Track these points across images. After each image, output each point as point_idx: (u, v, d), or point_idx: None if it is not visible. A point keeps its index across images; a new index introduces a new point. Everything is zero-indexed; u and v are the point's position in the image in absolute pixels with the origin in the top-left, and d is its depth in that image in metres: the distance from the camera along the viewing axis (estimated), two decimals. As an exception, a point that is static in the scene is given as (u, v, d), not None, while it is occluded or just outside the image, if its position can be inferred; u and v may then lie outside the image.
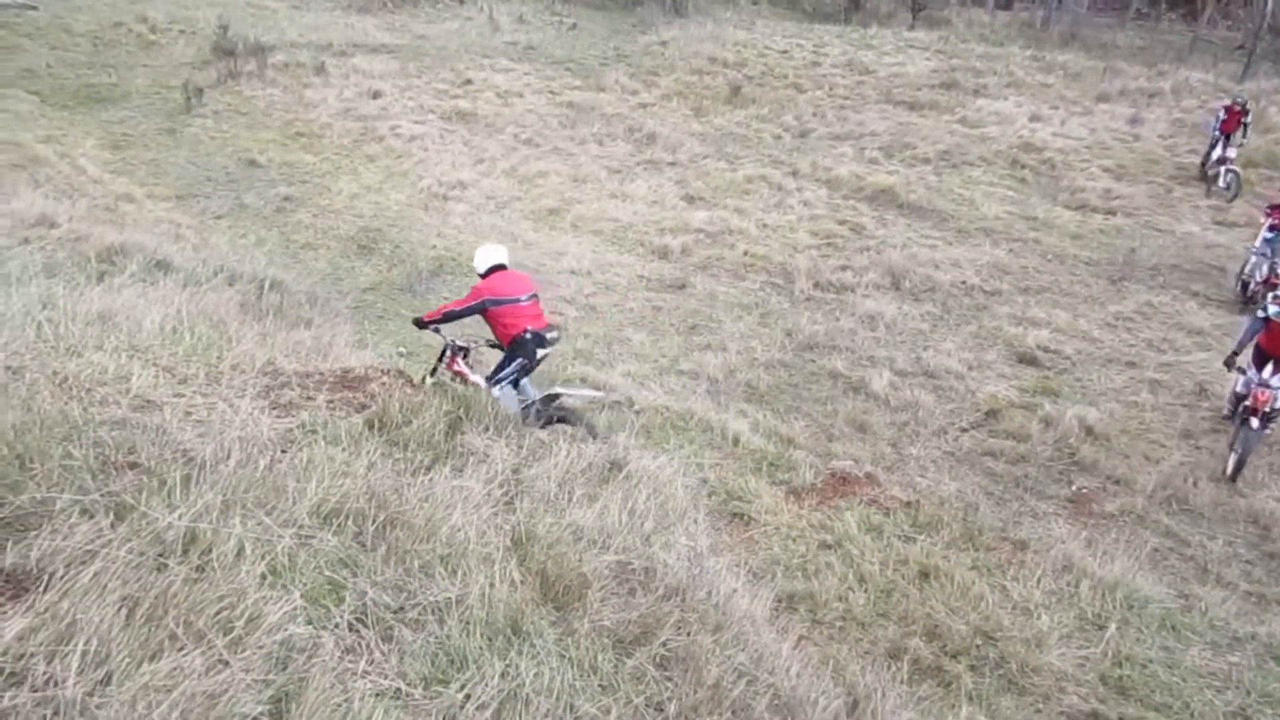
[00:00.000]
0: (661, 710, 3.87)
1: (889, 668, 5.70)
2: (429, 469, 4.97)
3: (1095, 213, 17.10)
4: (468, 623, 3.88)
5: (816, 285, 13.70)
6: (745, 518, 7.71)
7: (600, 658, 3.98)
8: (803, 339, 12.12)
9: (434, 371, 7.98)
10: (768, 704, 4.07)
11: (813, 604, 6.57)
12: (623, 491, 5.25)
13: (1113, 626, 6.41)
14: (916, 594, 6.73)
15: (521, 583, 4.21)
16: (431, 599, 3.94)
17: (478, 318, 7.71)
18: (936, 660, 6.13)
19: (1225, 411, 10.46)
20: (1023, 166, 19.10)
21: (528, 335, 7.56)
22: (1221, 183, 17.52)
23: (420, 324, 7.89)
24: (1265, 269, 12.97)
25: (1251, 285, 13.23)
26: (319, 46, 23.88)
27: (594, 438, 6.70)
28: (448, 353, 7.98)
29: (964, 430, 10.54)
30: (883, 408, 10.76)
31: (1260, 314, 9.70)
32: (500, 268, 7.82)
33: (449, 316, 7.64)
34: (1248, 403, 9.52)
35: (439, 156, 17.88)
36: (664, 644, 4.15)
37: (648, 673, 3.98)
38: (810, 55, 26.26)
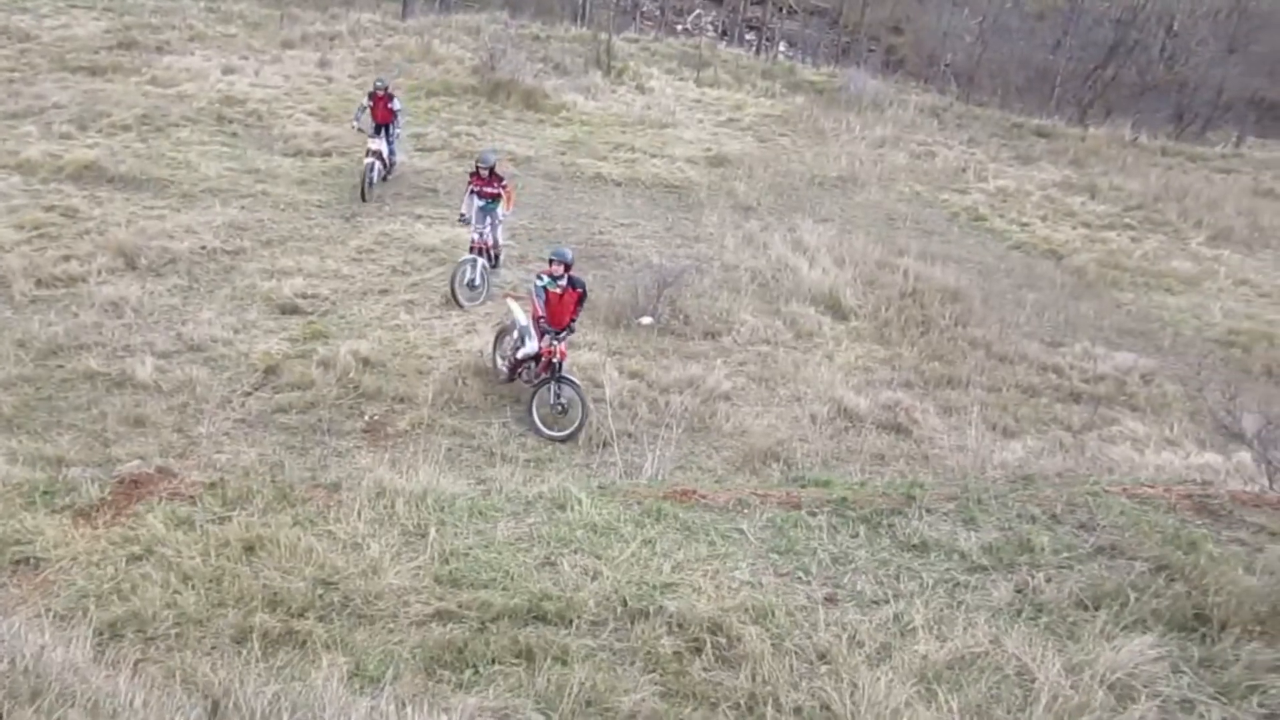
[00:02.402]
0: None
1: (240, 654, 5.50)
2: None
3: (313, 156, 17.61)
4: None
5: (39, 283, 12.16)
6: (32, 561, 6.68)
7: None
8: (41, 346, 10.74)
9: None
10: (120, 748, 3.68)
11: (139, 623, 5.99)
12: None
13: (433, 531, 6.93)
14: (247, 570, 6.53)
15: None
16: None
17: None
18: (285, 625, 6.05)
19: (504, 377, 10.83)
20: (230, 121, 18.82)
21: None
22: (366, 179, 16.02)
23: None
24: (477, 235, 13.14)
25: (490, 251, 13.37)
26: None
27: None
28: None
29: (248, 394, 10.37)
30: (156, 395, 10.10)
31: (539, 283, 10.40)
32: None
33: None
34: (555, 360, 10.17)
35: None
36: (-29, 741, 3.49)
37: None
38: (-51, 24, 22.49)
